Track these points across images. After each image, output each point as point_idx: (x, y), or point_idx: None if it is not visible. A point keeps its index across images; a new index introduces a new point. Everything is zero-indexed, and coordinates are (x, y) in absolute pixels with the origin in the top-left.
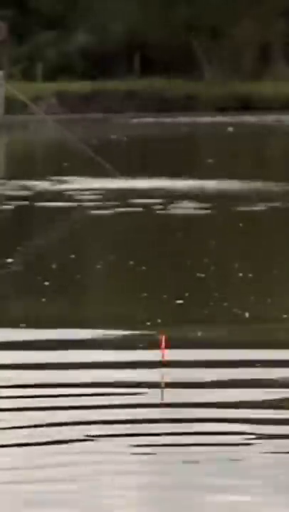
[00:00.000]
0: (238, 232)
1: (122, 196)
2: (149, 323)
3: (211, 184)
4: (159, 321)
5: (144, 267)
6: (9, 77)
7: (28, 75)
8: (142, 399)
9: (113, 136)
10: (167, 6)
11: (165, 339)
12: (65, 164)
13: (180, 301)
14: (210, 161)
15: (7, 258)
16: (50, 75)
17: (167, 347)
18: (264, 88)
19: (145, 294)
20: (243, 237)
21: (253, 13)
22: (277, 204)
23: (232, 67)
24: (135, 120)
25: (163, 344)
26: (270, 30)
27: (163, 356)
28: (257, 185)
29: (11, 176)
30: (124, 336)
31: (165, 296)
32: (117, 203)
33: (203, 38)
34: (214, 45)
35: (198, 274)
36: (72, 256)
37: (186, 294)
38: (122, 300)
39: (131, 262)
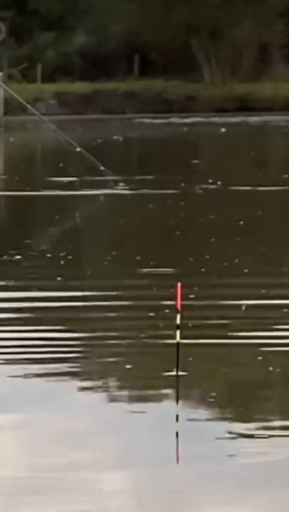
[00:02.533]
0: None
1: None
2: None
3: None
4: None
5: None
6: (9, 78)
7: (27, 76)
8: None
9: (116, 137)
10: (166, 7)
11: (180, 288)
12: (61, 165)
13: None
14: (195, 161)
15: None
16: (50, 76)
17: (182, 295)
18: (263, 89)
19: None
20: None
21: (252, 15)
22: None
23: (231, 68)
24: (134, 121)
25: (179, 292)
26: (269, 32)
27: (178, 304)
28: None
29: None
30: None
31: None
32: None
33: (202, 39)
34: (213, 46)
35: None
36: None
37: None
38: None
39: None
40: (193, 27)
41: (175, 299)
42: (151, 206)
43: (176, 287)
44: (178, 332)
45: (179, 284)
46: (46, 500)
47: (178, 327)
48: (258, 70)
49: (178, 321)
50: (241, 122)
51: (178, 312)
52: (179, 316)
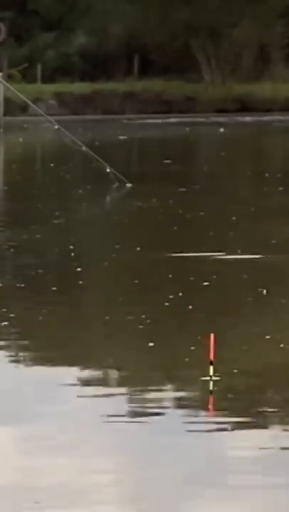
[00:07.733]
0: None
1: None
2: None
3: None
4: None
5: None
6: (8, 78)
7: (27, 77)
8: None
9: (122, 137)
10: (166, 8)
11: (214, 339)
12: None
13: None
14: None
15: None
16: (50, 77)
17: (215, 346)
18: (263, 89)
19: None
20: None
21: (252, 15)
22: None
23: (231, 69)
24: (134, 121)
25: (212, 343)
26: (268, 32)
27: (212, 355)
28: None
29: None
30: None
31: None
32: None
33: (202, 39)
34: (213, 47)
35: None
36: None
37: None
38: None
39: None
40: (193, 27)
41: (208, 351)
42: (150, 205)
43: (209, 339)
44: (211, 383)
45: (212, 335)
46: None
47: (210, 377)
48: (258, 70)
49: (211, 373)
50: (241, 123)
51: (211, 364)
52: (212, 368)
